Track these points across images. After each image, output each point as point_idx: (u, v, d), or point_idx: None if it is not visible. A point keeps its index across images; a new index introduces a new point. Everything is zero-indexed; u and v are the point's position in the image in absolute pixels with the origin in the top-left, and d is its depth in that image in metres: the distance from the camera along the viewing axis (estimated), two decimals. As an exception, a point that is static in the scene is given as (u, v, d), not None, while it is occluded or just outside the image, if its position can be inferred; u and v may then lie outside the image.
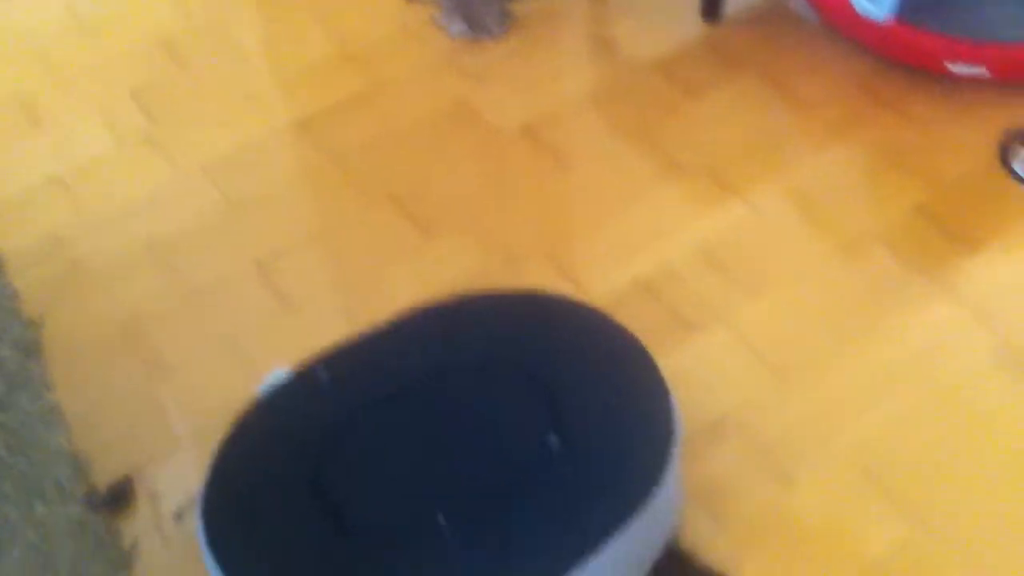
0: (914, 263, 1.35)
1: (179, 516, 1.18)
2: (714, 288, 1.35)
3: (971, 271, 1.34)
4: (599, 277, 1.37)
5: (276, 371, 1.17)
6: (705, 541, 1.12)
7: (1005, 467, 1.16)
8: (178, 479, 1.21)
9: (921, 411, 1.21)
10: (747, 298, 1.34)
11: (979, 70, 1.50)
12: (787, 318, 1.31)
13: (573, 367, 1.10)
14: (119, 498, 1.20)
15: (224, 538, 1.02)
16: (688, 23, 1.71)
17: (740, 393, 1.24)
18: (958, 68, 1.50)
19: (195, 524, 1.06)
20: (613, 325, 1.14)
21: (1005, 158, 1.46)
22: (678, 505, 1.09)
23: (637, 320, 1.19)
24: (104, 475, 1.23)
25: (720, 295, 1.34)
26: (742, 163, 1.50)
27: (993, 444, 1.17)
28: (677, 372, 1.19)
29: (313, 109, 1.66)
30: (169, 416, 1.28)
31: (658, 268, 1.38)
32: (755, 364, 1.27)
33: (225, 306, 1.40)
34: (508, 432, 1.06)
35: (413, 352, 1.14)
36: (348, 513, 1.01)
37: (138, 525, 1.19)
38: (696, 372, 1.26)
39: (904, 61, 1.57)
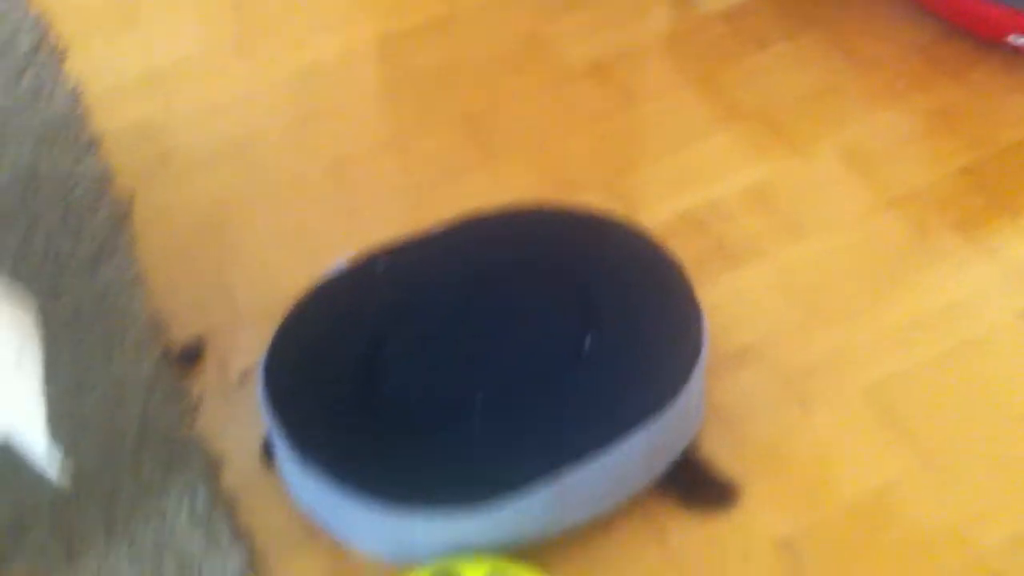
0: (955, 223, 1.41)
1: (241, 380, 1.30)
2: (759, 228, 1.42)
3: (1010, 236, 1.39)
4: (651, 207, 1.45)
5: (339, 262, 1.27)
6: (721, 455, 1.20)
7: (1017, 419, 1.22)
8: (242, 349, 1.32)
9: (942, 361, 1.27)
10: (790, 240, 1.40)
11: (1042, 45, 1.55)
12: (825, 262, 1.38)
13: (613, 278, 1.19)
14: (189, 359, 1.32)
15: (281, 397, 1.13)
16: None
17: (770, 326, 1.32)
18: (1020, 41, 1.54)
19: (256, 386, 1.18)
20: (654, 245, 1.22)
21: (1058, 133, 1.51)
22: (698, 415, 1.18)
23: (682, 249, 1.27)
24: (177, 339, 1.35)
25: (764, 235, 1.41)
26: (799, 114, 1.56)
27: (1008, 396, 1.24)
28: (714, 300, 1.29)
29: (395, 29, 1.75)
30: (240, 294, 1.39)
31: (708, 204, 1.45)
32: (788, 301, 1.34)
33: (298, 202, 1.51)
34: (547, 331, 1.15)
35: (466, 253, 1.24)
36: (398, 392, 1.12)
37: (204, 384, 1.30)
38: (731, 302, 1.34)
39: (968, 30, 1.62)
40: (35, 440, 0.92)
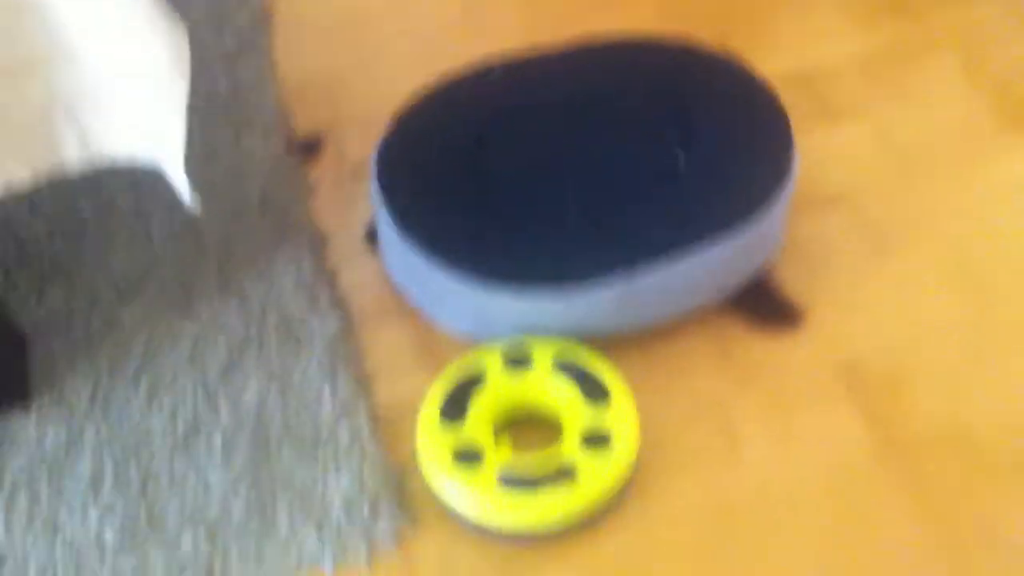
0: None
1: (354, 171, 1.40)
2: (865, 91, 1.46)
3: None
4: (762, 63, 1.47)
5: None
6: (794, 285, 1.26)
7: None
8: (359, 145, 1.41)
9: (1015, 230, 1.32)
10: (890, 104, 1.44)
11: None
12: (923, 127, 1.41)
13: (711, 104, 1.24)
14: (309, 149, 1.42)
15: (389, 177, 1.23)
16: None
17: (864, 178, 1.36)
18: None
19: (367, 178, 1.28)
20: (754, 78, 1.27)
21: None
22: (777, 242, 1.24)
23: (787, 102, 1.30)
24: (303, 128, 1.46)
25: (867, 97, 1.45)
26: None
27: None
28: (813, 148, 1.34)
29: None
30: (362, 96, 1.49)
31: (818, 66, 1.49)
32: (885, 158, 1.38)
33: (426, 18, 1.61)
34: (643, 146, 1.22)
35: (576, 70, 1.30)
36: (498, 180, 1.20)
37: (320, 172, 1.41)
38: (828, 154, 1.38)
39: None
40: (173, 160, 1.03)
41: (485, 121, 1.26)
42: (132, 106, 0.98)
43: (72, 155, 1.02)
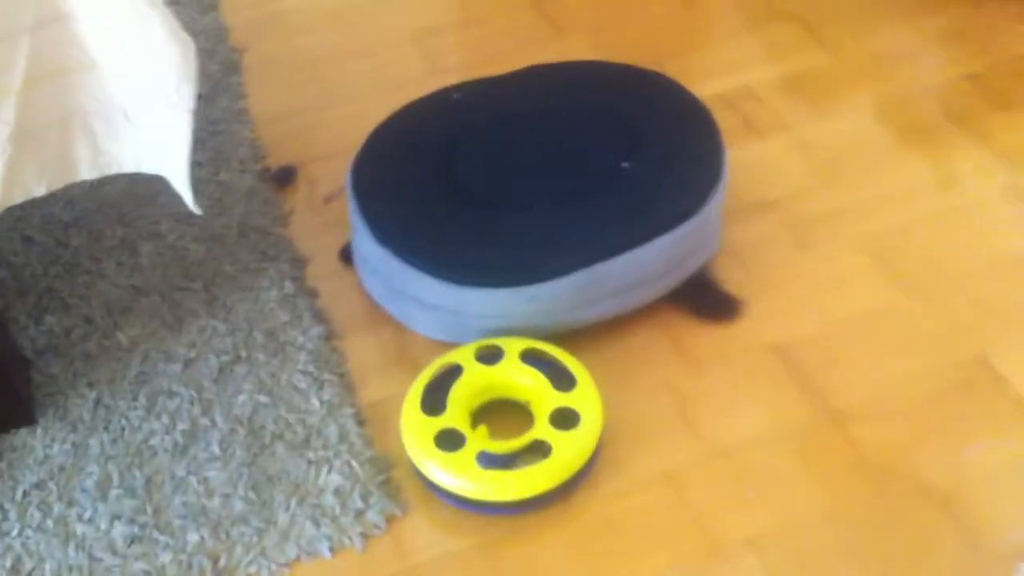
0: (956, 116, 1.60)
1: (328, 199, 1.52)
2: (784, 109, 1.63)
3: (1004, 126, 1.58)
4: (691, 86, 1.63)
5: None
6: (730, 280, 1.40)
7: (993, 265, 1.41)
8: (332, 175, 1.55)
9: (934, 220, 1.48)
10: (811, 120, 1.61)
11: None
12: (842, 137, 1.59)
13: (651, 117, 1.39)
14: (284, 177, 1.54)
15: (364, 189, 1.35)
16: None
17: (788, 185, 1.52)
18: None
19: (345, 200, 1.39)
20: (688, 95, 1.42)
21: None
22: (714, 238, 1.38)
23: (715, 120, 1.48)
24: (275, 161, 1.58)
25: (788, 114, 1.62)
26: (833, 21, 1.76)
27: (988, 250, 1.43)
28: (739, 162, 1.49)
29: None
30: (330, 132, 1.62)
31: (741, 89, 1.66)
32: (807, 167, 1.55)
33: (385, 60, 1.75)
34: (594, 156, 1.36)
35: (530, 91, 1.46)
36: (463, 190, 1.33)
37: (294, 201, 1.53)
38: (756, 165, 1.54)
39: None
40: (180, 171, 1.13)
41: (450, 137, 1.40)
42: (142, 117, 1.08)
43: (85, 167, 1.12)
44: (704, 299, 1.37)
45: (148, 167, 1.15)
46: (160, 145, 1.11)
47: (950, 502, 1.19)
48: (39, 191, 1.12)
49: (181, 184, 1.13)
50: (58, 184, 1.13)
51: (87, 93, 1.08)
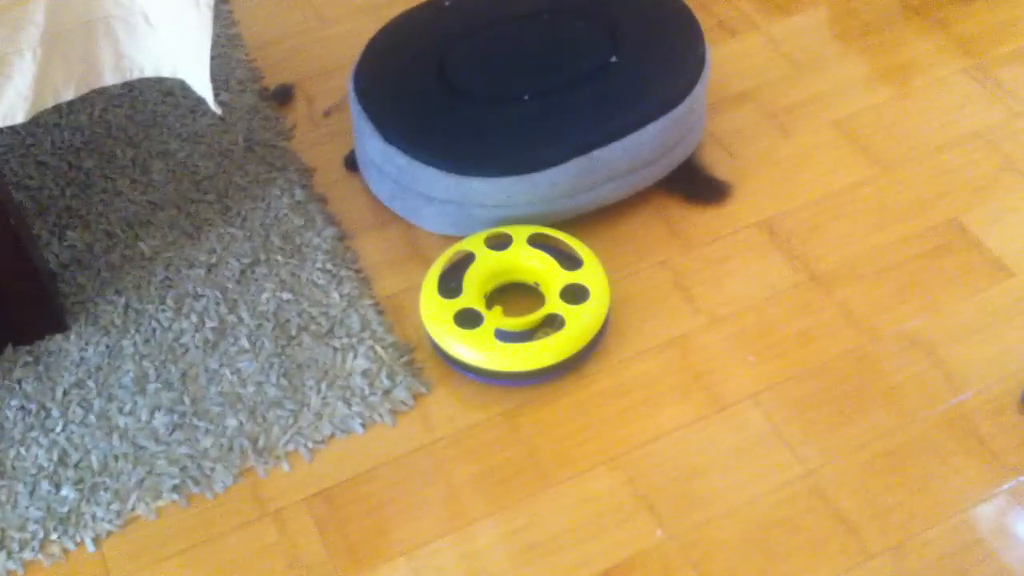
0: (916, 8, 1.70)
1: (327, 112, 1.58)
2: (753, 8, 1.71)
3: (961, 16, 1.68)
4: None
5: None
6: (716, 166, 1.50)
7: (957, 140, 1.51)
8: (328, 90, 1.62)
9: (900, 102, 1.58)
10: (779, 18, 1.70)
11: None
12: (809, 33, 1.68)
13: (636, 15, 1.47)
14: (283, 95, 1.61)
15: (367, 93, 1.42)
16: None
17: (763, 78, 1.62)
18: None
19: (346, 110, 1.46)
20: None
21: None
22: (700, 125, 1.47)
23: (690, 23, 1.56)
24: (272, 81, 1.64)
25: (757, 14, 1.71)
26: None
27: (951, 127, 1.53)
28: (718, 58, 1.60)
29: None
30: (322, 51, 1.68)
31: (711, -7, 1.75)
32: (779, 60, 1.64)
33: None
34: (583, 52, 1.44)
35: (518, -2, 1.53)
36: (461, 86, 1.40)
37: (295, 116, 1.59)
38: (732, 60, 1.64)
39: None
40: (200, 73, 1.18)
41: (444, 40, 1.46)
42: (163, 20, 1.14)
43: (108, 72, 1.17)
44: (694, 184, 1.46)
45: (168, 70, 1.20)
46: (180, 47, 1.16)
47: (934, 351, 1.29)
48: (67, 95, 1.17)
49: (202, 84, 1.18)
50: (84, 88, 1.18)
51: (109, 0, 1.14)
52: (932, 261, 1.38)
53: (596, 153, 1.35)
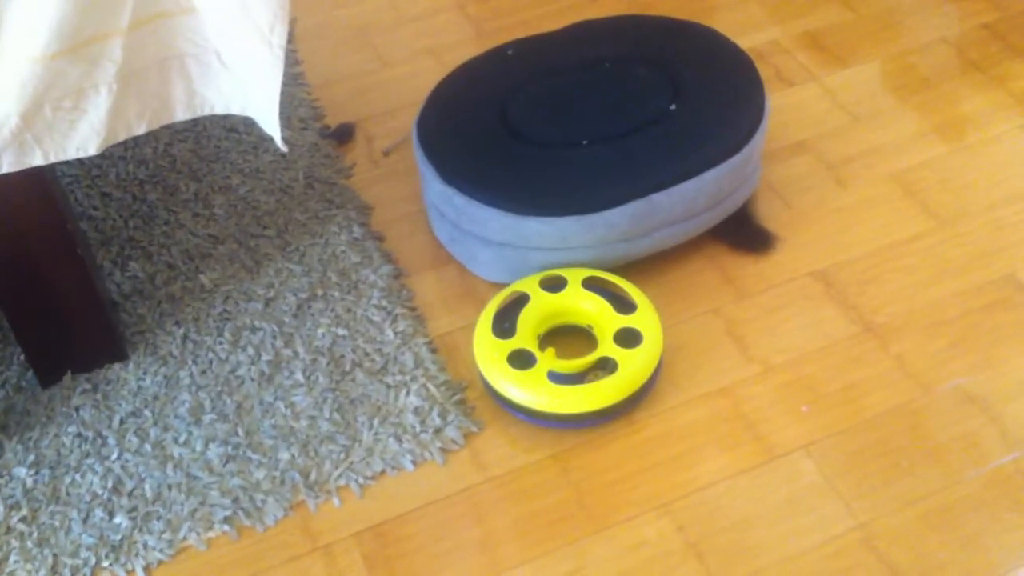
0: (974, 63, 1.71)
1: (387, 152, 1.61)
2: (811, 61, 1.73)
3: (1020, 73, 1.68)
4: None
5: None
6: (774, 213, 1.50)
7: (1013, 195, 1.51)
8: (388, 130, 1.65)
9: (957, 157, 1.57)
10: (836, 68, 1.71)
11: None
12: (866, 83, 1.69)
13: (696, 64, 1.48)
14: (343, 133, 1.64)
15: (432, 143, 1.44)
16: None
17: (821, 128, 1.62)
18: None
19: (410, 150, 1.48)
20: (729, 42, 1.52)
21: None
22: (755, 175, 1.47)
23: (747, 72, 1.57)
24: (333, 120, 1.67)
25: (815, 66, 1.72)
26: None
27: (1007, 182, 1.53)
28: (774, 108, 1.60)
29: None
30: (382, 92, 1.72)
31: (769, 44, 1.76)
32: (836, 112, 1.65)
33: (433, 28, 1.84)
34: (643, 100, 1.45)
35: (579, 44, 1.54)
36: (521, 131, 1.42)
37: (355, 155, 1.62)
38: (789, 110, 1.65)
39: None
40: (269, 111, 1.21)
41: (506, 88, 1.49)
42: (235, 59, 1.17)
43: (180, 108, 1.20)
44: (742, 232, 1.46)
45: (237, 108, 1.23)
46: (251, 86, 1.19)
47: (990, 407, 1.28)
48: (140, 129, 1.20)
49: (270, 123, 1.21)
50: (156, 124, 1.21)
51: (185, 36, 1.17)
52: (988, 316, 1.37)
53: (654, 197, 1.35)
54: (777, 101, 1.65)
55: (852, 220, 1.50)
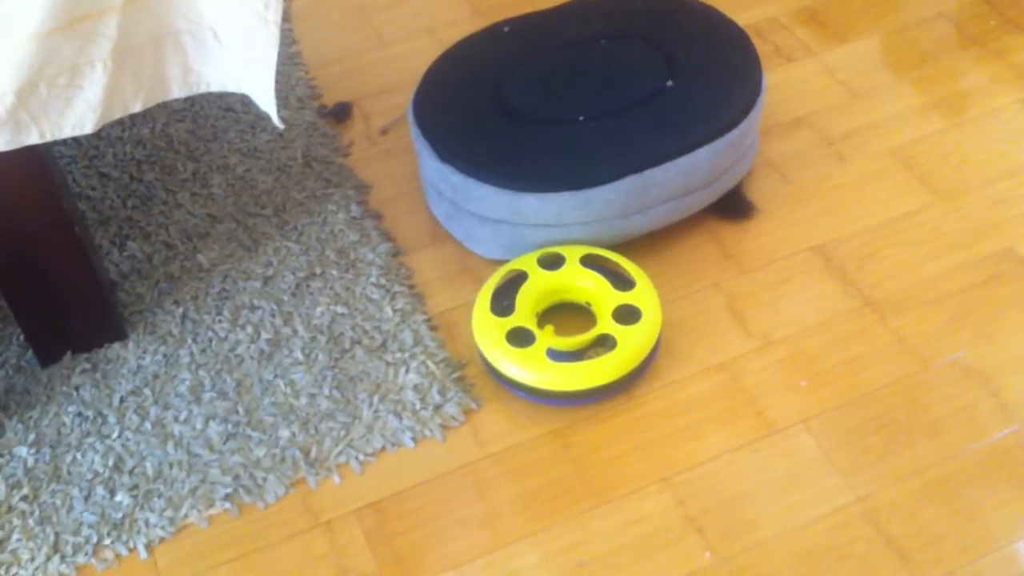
0: (974, 37, 1.70)
1: (384, 130, 1.61)
2: (810, 36, 1.72)
3: (1019, 46, 1.68)
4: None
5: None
6: (771, 190, 1.50)
7: (1012, 170, 1.51)
8: (386, 109, 1.65)
9: (956, 131, 1.57)
10: (835, 44, 1.71)
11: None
12: (865, 58, 1.69)
13: (692, 40, 1.48)
14: (341, 113, 1.63)
15: (428, 121, 1.43)
16: None
17: (820, 104, 1.62)
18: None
19: (406, 128, 1.48)
20: (725, 18, 1.51)
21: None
22: (752, 151, 1.47)
23: (745, 48, 1.57)
24: (330, 99, 1.67)
25: (814, 41, 1.71)
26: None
27: (1006, 157, 1.53)
28: (773, 84, 1.60)
29: None
30: (378, 71, 1.71)
31: (768, 20, 1.76)
32: (835, 87, 1.64)
33: (430, 7, 1.83)
34: (639, 76, 1.45)
35: (575, 21, 1.54)
36: (518, 109, 1.42)
37: (352, 134, 1.62)
38: (788, 86, 1.64)
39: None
40: (265, 88, 1.21)
41: (502, 65, 1.48)
42: (231, 36, 1.16)
43: (176, 85, 1.19)
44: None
45: (234, 85, 1.23)
46: (247, 62, 1.19)
47: (989, 380, 1.28)
48: (135, 107, 1.19)
49: (266, 99, 1.21)
50: (152, 101, 1.21)
51: (180, 13, 1.16)
52: (987, 290, 1.37)
53: (649, 173, 1.35)
54: (776, 77, 1.65)
55: (851, 195, 1.50)
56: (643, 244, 1.43)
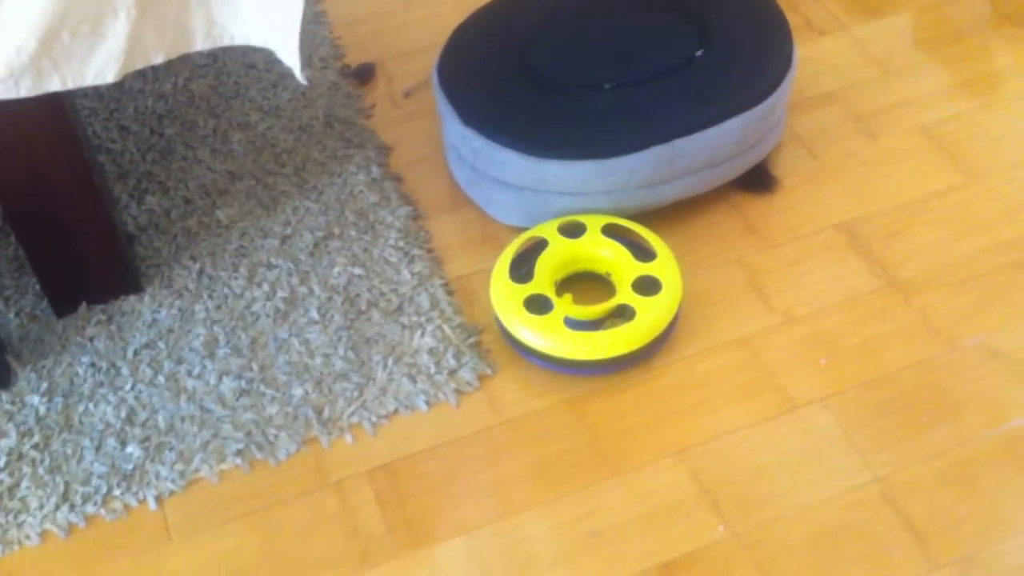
0: (1009, 16, 1.68)
1: (407, 93, 1.59)
2: (842, 10, 1.69)
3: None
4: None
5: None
6: (798, 165, 1.48)
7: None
8: (409, 71, 1.63)
9: (988, 109, 1.55)
10: (868, 18, 1.68)
11: None
12: (898, 34, 1.66)
13: (723, 10, 1.45)
14: (364, 73, 1.62)
15: (452, 84, 1.41)
16: None
17: (850, 79, 1.60)
18: None
19: (430, 91, 1.46)
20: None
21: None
22: (780, 125, 1.45)
23: (776, 21, 1.54)
24: (354, 60, 1.65)
25: (846, 15, 1.68)
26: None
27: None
28: (803, 58, 1.57)
29: None
30: (404, 33, 1.69)
31: (800, -7, 1.73)
32: (866, 63, 1.62)
33: None
34: (669, 45, 1.42)
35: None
36: (544, 75, 1.40)
37: (375, 95, 1.60)
38: (819, 60, 1.62)
39: None
40: (290, 43, 1.19)
41: (528, 29, 1.46)
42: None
43: (199, 37, 1.18)
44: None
45: (257, 39, 1.21)
46: (271, 16, 1.17)
47: (1014, 364, 1.26)
48: (157, 58, 1.18)
49: (290, 55, 1.19)
50: (174, 52, 1.19)
51: (203, -33, 1.15)
52: (1016, 272, 1.34)
53: (676, 143, 1.33)
54: (806, 51, 1.62)
55: (879, 173, 1.47)
56: (666, 215, 1.41)
